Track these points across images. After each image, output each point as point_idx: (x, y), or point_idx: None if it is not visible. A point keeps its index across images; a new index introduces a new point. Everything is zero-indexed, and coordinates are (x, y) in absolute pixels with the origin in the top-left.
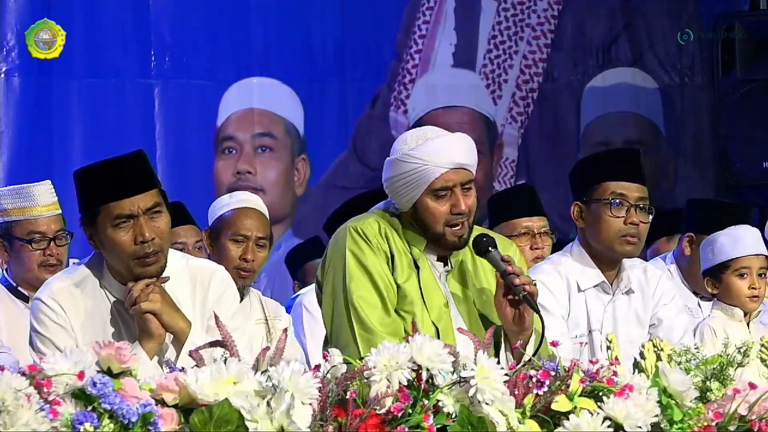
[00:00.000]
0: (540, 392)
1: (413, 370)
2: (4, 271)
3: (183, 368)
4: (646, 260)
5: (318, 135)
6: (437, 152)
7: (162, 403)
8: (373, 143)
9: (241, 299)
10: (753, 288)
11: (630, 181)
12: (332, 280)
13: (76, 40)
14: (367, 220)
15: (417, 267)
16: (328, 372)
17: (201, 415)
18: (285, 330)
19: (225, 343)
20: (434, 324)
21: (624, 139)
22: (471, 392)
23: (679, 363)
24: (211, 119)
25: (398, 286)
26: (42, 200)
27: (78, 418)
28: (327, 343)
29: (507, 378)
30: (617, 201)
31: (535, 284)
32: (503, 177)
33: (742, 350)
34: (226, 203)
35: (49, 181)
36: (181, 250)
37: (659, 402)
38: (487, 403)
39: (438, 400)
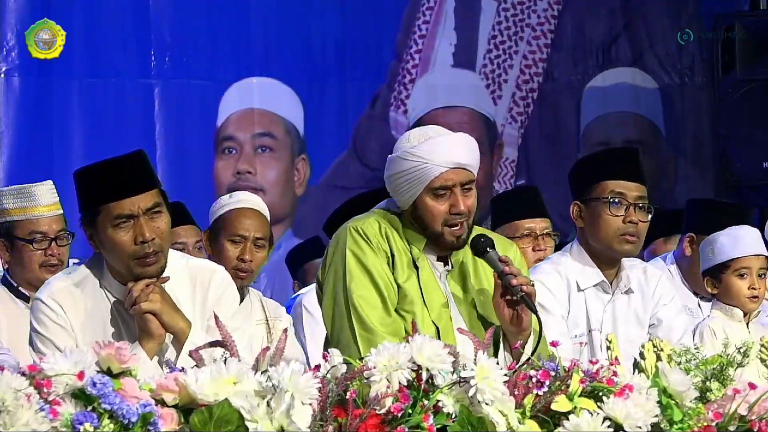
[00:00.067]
0: (540, 392)
1: (413, 371)
2: (5, 271)
3: (183, 368)
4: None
5: (318, 135)
6: (438, 151)
7: (162, 403)
8: (373, 143)
9: (241, 300)
10: (753, 288)
11: (629, 180)
12: (333, 279)
13: (76, 40)
14: (368, 220)
15: (416, 267)
16: (328, 372)
17: (201, 415)
18: (285, 330)
19: (225, 343)
20: (434, 324)
21: (624, 139)
22: (471, 392)
23: (679, 363)
24: (211, 119)
25: (398, 286)
26: (43, 200)
27: (78, 418)
28: (327, 343)
29: (507, 378)
30: (616, 200)
31: (533, 285)
32: (503, 177)
33: (741, 350)
34: (225, 203)
35: (50, 181)
36: (181, 250)
37: (659, 402)
38: (487, 404)
39: (438, 400)
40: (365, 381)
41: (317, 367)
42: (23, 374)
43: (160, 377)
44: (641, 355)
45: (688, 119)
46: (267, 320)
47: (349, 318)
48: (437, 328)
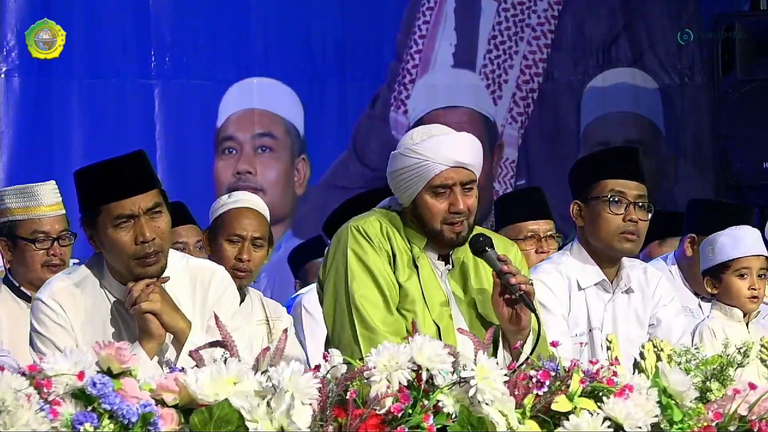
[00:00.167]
0: (540, 392)
1: (413, 371)
2: (7, 271)
3: (183, 368)
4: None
5: (318, 135)
6: (439, 149)
7: (162, 403)
8: (373, 143)
9: (241, 300)
10: (753, 288)
11: (629, 179)
12: (334, 279)
13: (76, 40)
14: (369, 220)
15: (417, 266)
16: (328, 372)
17: (201, 415)
18: (285, 330)
19: (225, 343)
20: (435, 323)
21: (624, 139)
22: (471, 392)
23: (679, 363)
24: (211, 119)
25: (400, 285)
26: (46, 200)
27: (78, 418)
28: (328, 343)
29: (507, 378)
30: (616, 198)
31: (531, 284)
32: (503, 177)
33: (741, 350)
34: (224, 203)
35: (53, 181)
36: (182, 249)
37: (659, 402)
38: (487, 404)
39: (438, 401)
40: (365, 381)
41: (317, 367)
42: (23, 374)
43: (160, 377)
44: (641, 355)
45: (688, 119)
46: (267, 320)
47: (350, 317)
48: (438, 327)
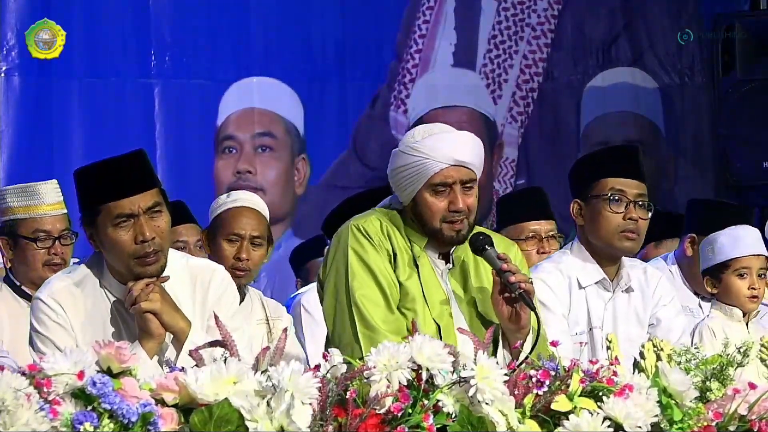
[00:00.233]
0: (540, 392)
1: (413, 370)
2: (8, 270)
3: (183, 368)
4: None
5: (318, 135)
6: (439, 147)
7: (162, 402)
8: (373, 143)
9: (241, 299)
10: (752, 288)
11: (629, 177)
12: (334, 278)
13: (76, 40)
14: (369, 219)
15: (417, 265)
16: (328, 372)
17: (201, 414)
18: (285, 330)
19: (225, 342)
20: (435, 322)
21: (624, 139)
22: (471, 392)
23: (679, 363)
24: (211, 119)
25: (400, 284)
26: (48, 199)
27: (78, 418)
28: (329, 342)
29: (507, 378)
30: (616, 197)
31: (531, 282)
32: (503, 177)
33: (741, 350)
34: (223, 203)
35: (55, 180)
36: (182, 248)
37: (659, 402)
38: (487, 403)
39: (438, 400)
40: (365, 381)
41: (317, 367)
42: (23, 374)
43: (160, 377)
44: (641, 354)
45: (688, 119)
46: (267, 320)
47: (351, 316)
48: (438, 326)
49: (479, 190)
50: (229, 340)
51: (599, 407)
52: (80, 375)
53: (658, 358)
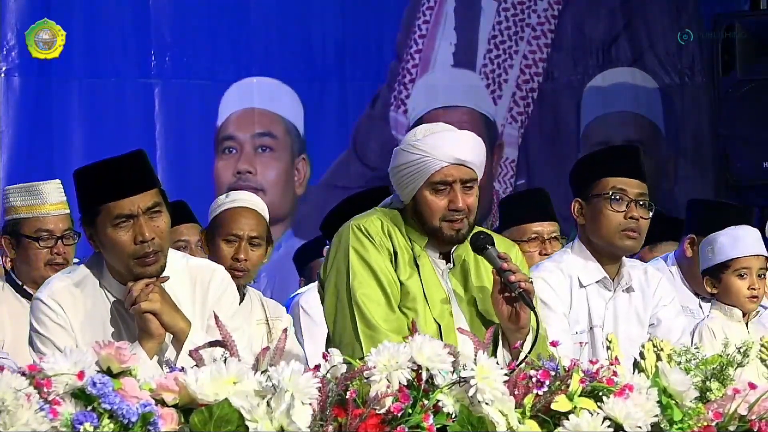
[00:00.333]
0: (540, 392)
1: (413, 370)
2: (10, 270)
3: (183, 368)
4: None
5: (318, 135)
6: (440, 146)
7: (162, 403)
8: (373, 143)
9: (241, 299)
10: (752, 288)
11: (630, 177)
12: (335, 277)
13: (76, 40)
14: (370, 218)
15: (418, 264)
16: (328, 372)
17: (201, 415)
18: (285, 330)
19: (225, 343)
20: (436, 321)
21: (624, 139)
22: (471, 392)
23: (679, 363)
24: (211, 119)
25: (401, 283)
26: (51, 198)
27: (78, 418)
28: (329, 341)
29: (507, 378)
30: (617, 196)
31: (531, 282)
32: (503, 177)
33: (741, 350)
34: (221, 203)
35: (58, 180)
36: (184, 248)
37: (659, 402)
38: (487, 403)
39: (438, 400)
40: (365, 381)
41: (317, 367)
42: (23, 374)
43: (160, 377)
44: (641, 354)
45: (688, 119)
46: (267, 320)
47: (351, 316)
48: (439, 325)
49: (479, 191)
50: (229, 340)
51: (599, 407)
52: (80, 375)
53: (658, 358)
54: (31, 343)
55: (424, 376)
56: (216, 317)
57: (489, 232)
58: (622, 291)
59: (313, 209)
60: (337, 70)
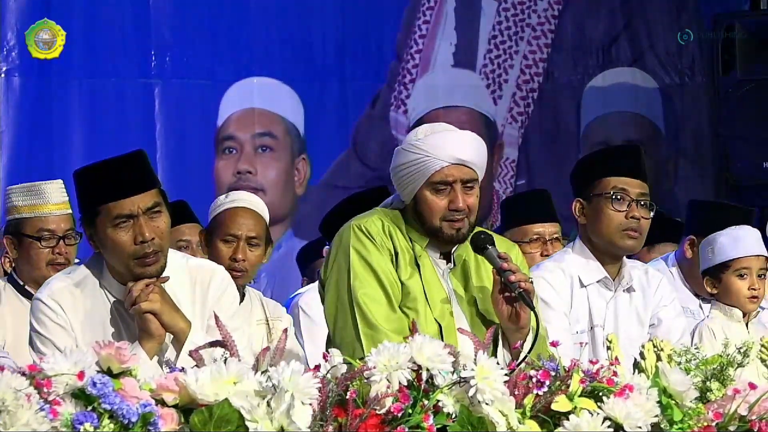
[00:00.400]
0: (540, 392)
1: (413, 370)
2: (12, 270)
3: (183, 368)
4: None
5: (318, 135)
6: (441, 145)
7: (162, 403)
8: (373, 143)
9: (241, 300)
10: (752, 289)
11: (631, 176)
12: (336, 277)
13: (76, 40)
14: (371, 218)
15: (418, 264)
16: (328, 372)
17: (201, 415)
18: (285, 330)
19: (225, 343)
20: (437, 321)
21: (624, 139)
22: (471, 392)
23: (679, 363)
24: (212, 119)
25: (402, 283)
26: (53, 198)
27: (78, 418)
28: (329, 342)
29: (507, 378)
30: (618, 196)
31: (531, 282)
32: (503, 177)
33: (741, 350)
34: (220, 203)
35: (60, 180)
36: (185, 248)
37: (659, 402)
38: (487, 403)
39: (438, 400)
40: (365, 381)
41: (317, 367)
42: (23, 374)
43: (160, 377)
44: (641, 355)
45: (688, 119)
46: (267, 320)
47: (352, 316)
48: (439, 325)
49: (479, 191)
50: (229, 340)
51: (599, 407)
52: (80, 375)
53: (659, 359)
54: (31, 344)
55: (424, 376)
56: (216, 317)
57: (489, 232)
58: (623, 291)
59: (313, 209)
60: (337, 70)
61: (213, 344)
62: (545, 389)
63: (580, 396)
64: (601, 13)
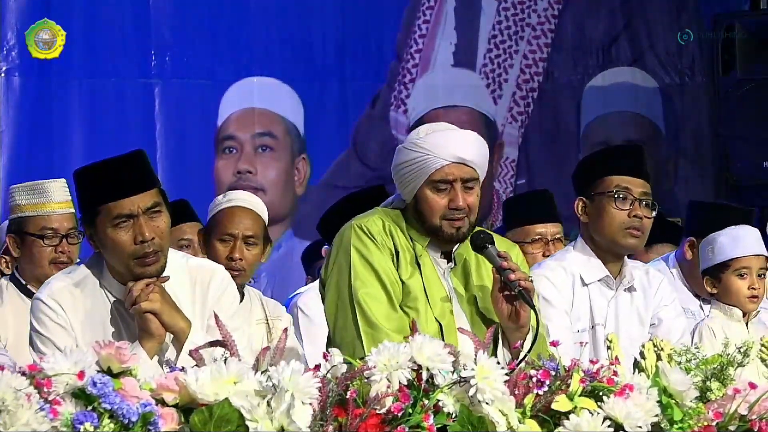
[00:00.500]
0: (540, 392)
1: (413, 370)
2: (14, 269)
3: (183, 368)
4: None
5: (318, 135)
6: (441, 144)
7: (162, 402)
8: (373, 143)
9: (240, 299)
10: (752, 288)
11: (634, 176)
12: (336, 277)
13: (76, 40)
14: (372, 218)
15: (419, 264)
16: (328, 372)
17: (201, 414)
18: (285, 330)
19: (225, 342)
20: (437, 320)
21: (624, 139)
22: (471, 392)
23: (679, 363)
24: (212, 119)
25: (402, 283)
26: (56, 197)
27: (78, 418)
28: (330, 341)
29: (507, 378)
30: (621, 194)
31: (531, 280)
32: (503, 177)
33: (742, 350)
34: (218, 203)
35: (63, 179)
36: (186, 246)
37: (659, 402)
38: (487, 403)
39: (438, 400)
40: (365, 380)
41: (317, 367)
42: (23, 374)
43: (161, 377)
44: (641, 354)
45: (688, 119)
46: (267, 320)
47: (353, 315)
48: (440, 324)
49: (480, 190)
50: (229, 340)
51: (599, 407)
52: (80, 375)
53: (659, 358)
54: (32, 343)
55: (424, 375)
56: (216, 317)
57: (489, 232)
58: (624, 290)
59: (313, 209)
60: (337, 70)
61: (213, 344)
62: (545, 389)
63: (580, 396)
64: (601, 13)
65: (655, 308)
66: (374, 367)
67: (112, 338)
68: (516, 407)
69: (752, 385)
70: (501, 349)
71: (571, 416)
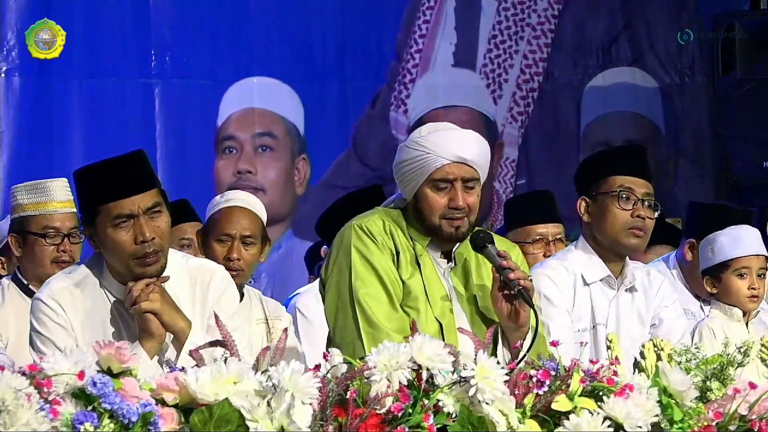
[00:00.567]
0: (540, 392)
1: (413, 370)
2: (16, 269)
3: (183, 368)
4: None
5: (318, 135)
6: (442, 143)
7: (162, 402)
8: (373, 143)
9: (240, 299)
10: (752, 288)
11: (636, 176)
12: (337, 277)
13: (76, 40)
14: (372, 218)
15: (419, 263)
16: (328, 371)
17: (201, 414)
18: (285, 330)
19: (225, 342)
20: (437, 320)
21: (624, 139)
22: (471, 392)
23: (680, 363)
24: (212, 119)
25: (403, 282)
26: (58, 196)
27: (78, 418)
28: (330, 341)
29: (507, 378)
30: (624, 194)
31: (530, 280)
32: (503, 177)
33: (742, 350)
34: (216, 204)
35: (65, 179)
36: (187, 246)
37: (659, 402)
38: (487, 403)
39: (438, 400)
40: (365, 380)
41: (317, 367)
42: (23, 374)
43: (161, 377)
44: (641, 354)
45: (688, 119)
46: (267, 319)
47: (354, 315)
48: (440, 324)
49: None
50: (229, 340)
51: (599, 407)
52: (80, 375)
53: (659, 358)
54: (32, 343)
55: (424, 375)
56: (216, 317)
57: (489, 232)
58: (625, 290)
59: (313, 209)
60: (337, 70)
61: (213, 344)
62: (545, 389)
63: (580, 395)
64: (601, 13)
65: (655, 309)
66: (374, 367)
67: (112, 338)
68: (516, 407)
69: (752, 385)
70: (501, 349)
71: (571, 416)
